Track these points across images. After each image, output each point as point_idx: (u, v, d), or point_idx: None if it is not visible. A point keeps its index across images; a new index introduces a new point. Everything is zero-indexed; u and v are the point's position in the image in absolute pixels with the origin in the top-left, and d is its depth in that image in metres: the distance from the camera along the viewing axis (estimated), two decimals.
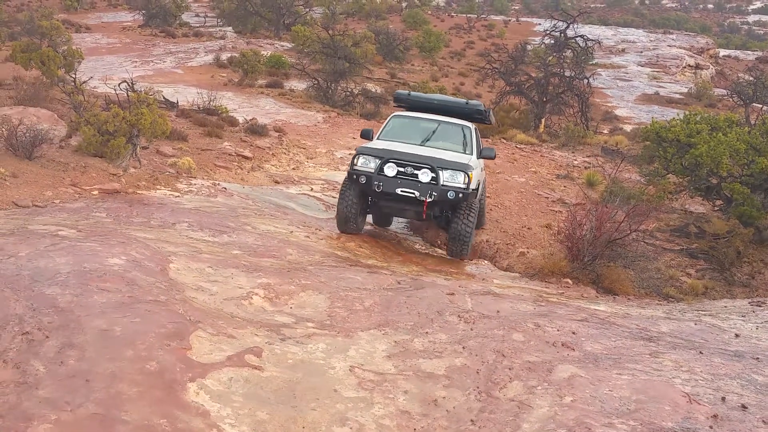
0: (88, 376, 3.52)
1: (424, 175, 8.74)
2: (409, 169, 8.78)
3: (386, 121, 10.80)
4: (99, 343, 3.84)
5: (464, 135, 10.28)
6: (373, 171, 8.80)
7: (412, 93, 11.59)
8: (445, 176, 8.78)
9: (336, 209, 9.41)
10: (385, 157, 8.88)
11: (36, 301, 4.21)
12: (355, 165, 8.97)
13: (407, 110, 11.22)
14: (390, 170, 8.79)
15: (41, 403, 3.27)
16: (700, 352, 5.27)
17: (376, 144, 9.60)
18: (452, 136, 10.25)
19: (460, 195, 8.74)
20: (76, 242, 5.56)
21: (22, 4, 46.08)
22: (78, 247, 5.39)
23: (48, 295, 4.32)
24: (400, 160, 8.86)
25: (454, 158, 9.26)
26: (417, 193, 8.67)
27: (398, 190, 8.74)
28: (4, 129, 9.37)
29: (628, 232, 9.79)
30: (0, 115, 10.32)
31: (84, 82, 12.58)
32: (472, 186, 8.97)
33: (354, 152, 9.34)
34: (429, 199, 8.66)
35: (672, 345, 5.49)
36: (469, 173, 8.88)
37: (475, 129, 10.58)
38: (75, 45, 21.55)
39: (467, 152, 9.87)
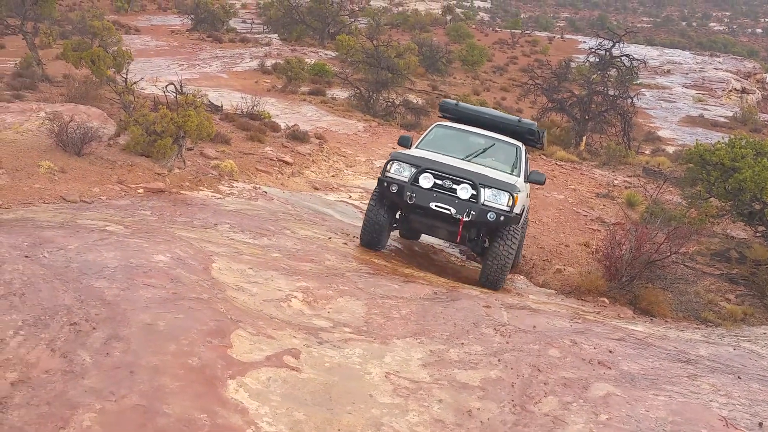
0: (132, 368, 3.61)
1: (463, 191, 7.87)
2: (447, 183, 7.93)
3: (428, 129, 9.91)
4: (143, 336, 3.93)
5: (513, 155, 9.34)
6: (406, 180, 7.98)
7: (461, 103, 10.48)
8: (486, 195, 7.88)
9: (362, 221, 8.62)
10: (421, 166, 8.04)
11: (84, 293, 4.34)
12: (388, 171, 8.17)
13: (453, 122, 10.35)
14: (425, 181, 7.95)
15: (86, 392, 3.36)
16: (738, 377, 5.18)
17: (414, 152, 8.84)
18: (500, 155, 9.31)
19: (502, 218, 7.81)
20: (123, 238, 5.70)
21: (74, 3, 47.37)
22: (125, 242, 5.53)
23: (96, 287, 4.44)
24: (439, 171, 8.01)
25: (499, 177, 8.40)
26: (453, 210, 7.78)
27: (432, 205, 7.84)
28: (55, 125, 9.64)
29: (668, 254, 9.68)
30: (52, 111, 10.62)
31: (135, 82, 12.89)
32: (516, 210, 8.04)
33: (388, 158, 8.51)
34: (466, 218, 7.75)
35: (710, 369, 5.41)
36: (515, 195, 7.94)
37: (525, 150, 9.72)
38: (124, 46, 22.09)
39: (514, 173, 8.96)
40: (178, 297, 4.59)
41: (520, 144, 9.59)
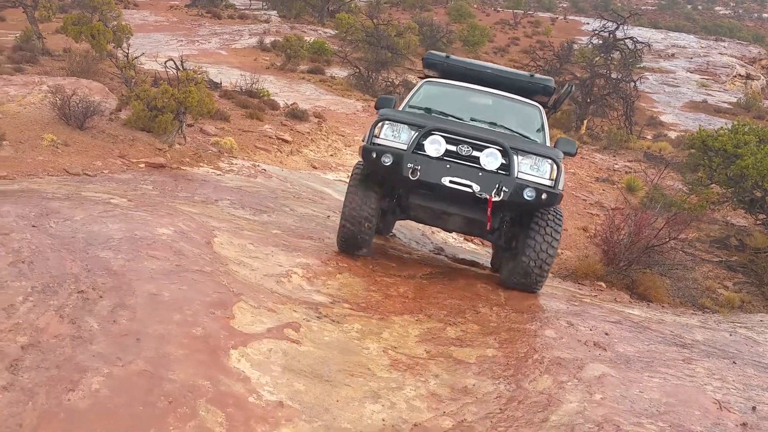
0: (138, 336, 3.68)
1: (490, 159, 5.67)
2: (465, 149, 5.70)
3: (415, 87, 7.44)
4: (149, 306, 4.00)
5: (533, 118, 7.10)
6: (405, 147, 5.72)
7: (452, 57, 7.75)
8: (522, 164, 5.74)
9: (341, 215, 6.23)
10: (427, 126, 5.77)
11: (90, 262, 4.40)
12: (377, 137, 5.85)
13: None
14: (434, 147, 5.69)
15: (94, 357, 3.43)
16: (734, 362, 5.26)
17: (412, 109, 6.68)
18: (515, 119, 7.02)
19: (543, 196, 5.68)
20: (127, 210, 5.76)
21: None
22: (129, 215, 5.58)
23: (102, 258, 4.51)
24: (453, 133, 5.75)
25: (534, 140, 6.46)
26: (476, 187, 5.59)
27: (446, 180, 5.63)
28: (58, 98, 9.65)
29: (667, 239, 9.76)
30: (54, 85, 10.62)
31: (136, 57, 12.87)
32: (560, 185, 5.89)
33: (376, 118, 6.04)
34: (495, 198, 5.59)
35: (705, 353, 5.49)
36: (559, 163, 5.86)
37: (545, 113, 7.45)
38: (124, 21, 21.98)
39: (539, 142, 6.76)
40: (181, 269, 4.65)
41: (538, 105, 7.42)
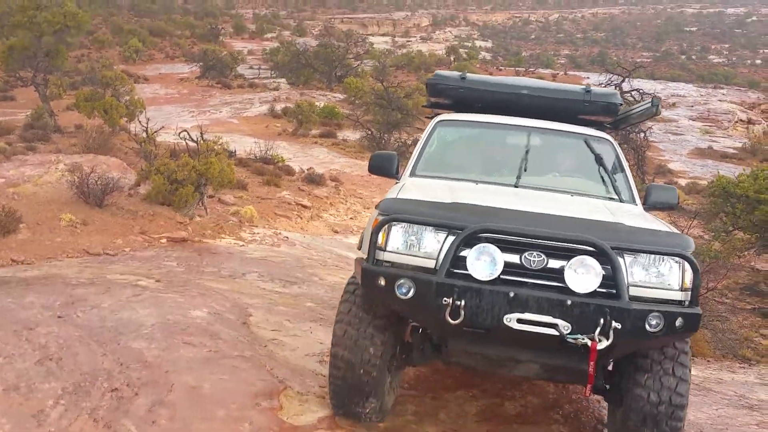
0: None
1: (583, 275, 3.38)
2: (537, 258, 3.46)
3: (424, 133, 5.24)
4: (189, 401, 3.69)
5: (607, 157, 4.94)
6: (434, 266, 3.49)
7: (470, 76, 5.48)
8: (633, 270, 3.47)
9: (330, 358, 3.93)
10: (468, 227, 3.44)
11: (123, 355, 4.10)
12: (384, 249, 3.60)
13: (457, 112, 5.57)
14: (484, 265, 3.41)
15: None
16: None
17: (425, 191, 4.17)
18: (582, 163, 4.98)
19: (678, 323, 3.39)
20: (157, 293, 5.49)
21: (82, 54, 47.89)
22: (160, 298, 5.30)
23: (134, 348, 4.21)
24: (512, 234, 3.45)
25: (634, 220, 3.97)
26: (565, 326, 3.33)
27: (511, 321, 3.35)
28: (76, 176, 9.50)
29: (705, 291, 9.43)
30: (71, 163, 10.50)
31: (156, 131, 12.80)
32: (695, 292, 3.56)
33: (375, 214, 3.86)
34: (603, 342, 3.29)
35: None
36: (693, 259, 3.48)
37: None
38: (136, 95, 22.19)
39: (624, 199, 4.76)
40: (220, 356, 4.34)
41: (609, 138, 5.23)
